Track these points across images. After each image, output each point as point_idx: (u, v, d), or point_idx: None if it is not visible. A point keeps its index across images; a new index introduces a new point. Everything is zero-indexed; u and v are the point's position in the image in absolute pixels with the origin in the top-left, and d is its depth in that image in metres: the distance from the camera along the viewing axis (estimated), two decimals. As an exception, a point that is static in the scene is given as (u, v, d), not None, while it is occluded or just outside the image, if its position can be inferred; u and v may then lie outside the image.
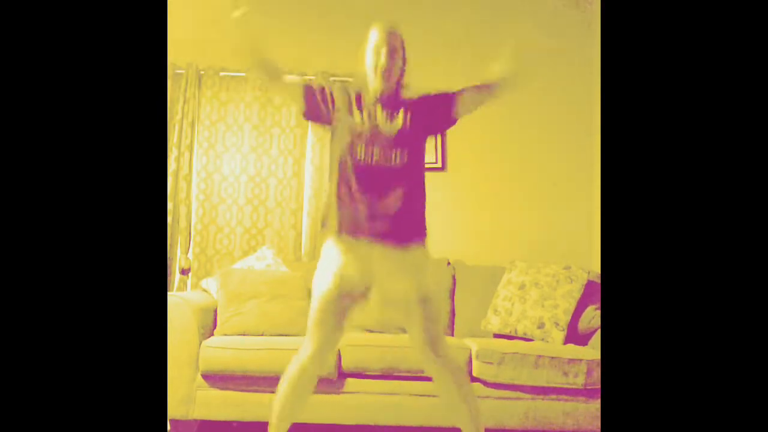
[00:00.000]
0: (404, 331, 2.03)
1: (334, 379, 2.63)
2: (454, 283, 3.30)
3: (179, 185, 3.58)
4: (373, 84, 1.93)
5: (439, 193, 3.44)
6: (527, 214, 3.72)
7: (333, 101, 1.96)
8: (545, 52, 1.94)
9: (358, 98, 1.96)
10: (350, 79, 3.43)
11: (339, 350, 2.62)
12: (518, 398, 2.63)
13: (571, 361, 2.61)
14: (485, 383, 2.64)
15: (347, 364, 2.64)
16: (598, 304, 2.99)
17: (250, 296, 2.90)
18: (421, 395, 2.61)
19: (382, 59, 1.90)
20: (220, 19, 3.70)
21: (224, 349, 2.63)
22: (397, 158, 1.87)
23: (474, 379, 2.64)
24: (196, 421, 2.69)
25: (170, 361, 2.55)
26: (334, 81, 3.64)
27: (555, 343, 2.89)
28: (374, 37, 1.94)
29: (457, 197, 3.70)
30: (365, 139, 1.88)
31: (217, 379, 2.64)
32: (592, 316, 2.97)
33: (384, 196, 1.86)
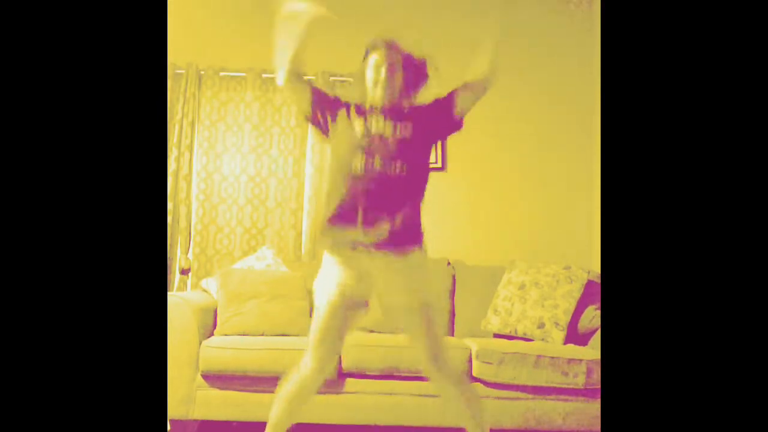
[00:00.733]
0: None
1: (334, 379, 2.62)
2: (454, 283, 3.30)
3: (179, 185, 3.58)
4: (374, 96, 1.93)
5: (439, 193, 3.44)
6: (527, 214, 3.72)
7: (333, 114, 1.96)
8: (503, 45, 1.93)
9: (359, 108, 1.95)
10: (350, 80, 3.43)
11: (339, 350, 2.63)
12: (518, 398, 2.63)
13: (571, 361, 2.61)
14: (485, 383, 2.64)
15: (347, 364, 2.64)
16: (598, 304, 2.99)
17: (250, 296, 2.90)
18: (421, 395, 2.61)
19: (382, 76, 1.91)
20: (220, 19, 3.74)
21: (224, 349, 2.64)
22: (398, 168, 1.85)
23: (474, 379, 2.64)
24: (196, 421, 2.69)
25: (170, 361, 2.55)
26: (334, 81, 3.65)
27: (555, 343, 2.89)
28: (373, 54, 1.94)
29: (457, 197, 3.70)
30: (366, 149, 1.86)
31: (217, 379, 2.64)
32: (592, 316, 2.97)
33: (383, 206, 1.84)
